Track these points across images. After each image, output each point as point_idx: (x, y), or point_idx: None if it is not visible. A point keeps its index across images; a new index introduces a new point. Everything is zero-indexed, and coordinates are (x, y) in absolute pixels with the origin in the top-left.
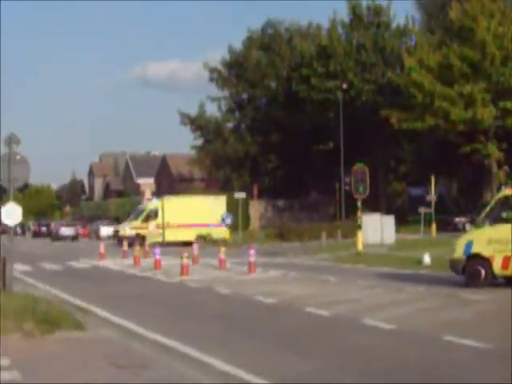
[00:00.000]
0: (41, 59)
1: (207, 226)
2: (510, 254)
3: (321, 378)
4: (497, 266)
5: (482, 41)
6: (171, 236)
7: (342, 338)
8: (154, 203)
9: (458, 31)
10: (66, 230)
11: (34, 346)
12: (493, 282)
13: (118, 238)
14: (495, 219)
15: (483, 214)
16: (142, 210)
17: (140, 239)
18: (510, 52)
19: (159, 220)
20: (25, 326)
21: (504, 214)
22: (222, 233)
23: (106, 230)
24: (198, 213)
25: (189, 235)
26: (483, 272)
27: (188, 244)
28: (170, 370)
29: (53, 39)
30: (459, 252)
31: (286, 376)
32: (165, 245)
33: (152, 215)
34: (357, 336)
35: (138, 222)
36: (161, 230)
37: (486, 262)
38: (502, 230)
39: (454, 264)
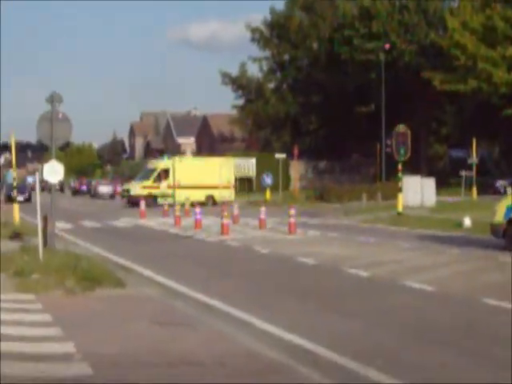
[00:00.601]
0: (83, 23)
1: (216, 187)
2: None
3: (361, 337)
4: None
5: None
6: (181, 196)
7: (382, 298)
8: (164, 163)
9: None
10: (103, 188)
11: (75, 303)
12: None
13: (128, 198)
14: None
15: None
16: (153, 170)
17: (152, 198)
18: None
19: (170, 180)
20: (66, 283)
21: None
22: (228, 194)
23: None
24: (207, 174)
25: (199, 196)
26: None
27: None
28: (211, 328)
29: (93, 2)
30: (500, 216)
31: (325, 335)
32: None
33: (163, 175)
34: (396, 297)
35: (149, 182)
36: (171, 190)
37: None
38: None
39: (494, 228)
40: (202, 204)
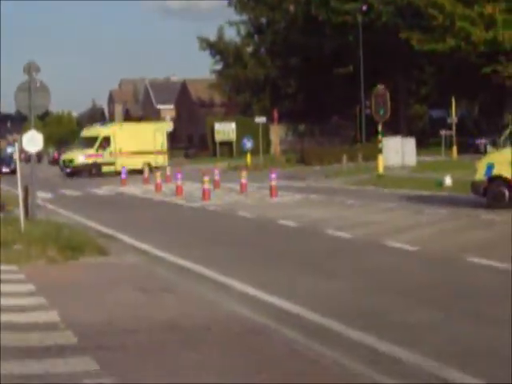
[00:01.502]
0: None
1: (152, 153)
2: None
3: (344, 297)
4: None
5: None
6: (123, 164)
7: (365, 259)
8: (105, 130)
9: None
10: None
11: (58, 272)
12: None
13: (70, 168)
14: None
15: (504, 136)
16: (93, 137)
17: (97, 167)
18: None
19: (112, 148)
20: (49, 252)
21: None
22: (162, 160)
23: None
24: (144, 140)
25: (137, 163)
26: (507, 193)
27: (137, 171)
28: (193, 293)
29: None
30: (480, 174)
31: (307, 297)
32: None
33: (105, 143)
34: (379, 257)
35: (92, 150)
36: (113, 158)
37: (508, 183)
38: None
39: (475, 186)
40: (139, 171)
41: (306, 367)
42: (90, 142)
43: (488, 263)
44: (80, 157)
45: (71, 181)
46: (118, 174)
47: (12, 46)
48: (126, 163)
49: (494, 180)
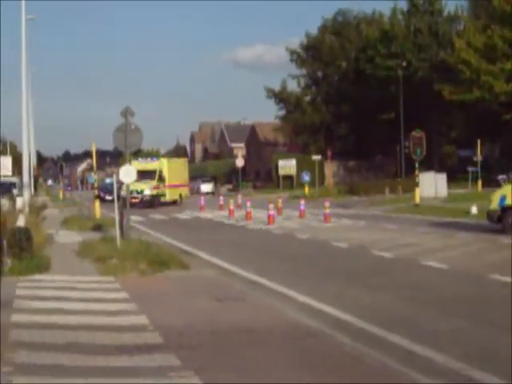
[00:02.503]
0: (154, 47)
1: (183, 186)
2: None
3: (386, 306)
4: None
5: None
6: (170, 195)
7: (404, 275)
8: (159, 164)
9: (500, 16)
10: None
11: (147, 283)
12: None
13: (141, 198)
14: None
15: None
16: (148, 170)
17: (159, 198)
18: None
19: (167, 180)
20: (140, 266)
21: None
22: (187, 192)
23: (205, 187)
24: (179, 174)
25: (177, 194)
26: None
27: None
28: (260, 302)
29: (160, 28)
30: (495, 204)
31: (356, 307)
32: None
33: (160, 176)
34: (416, 274)
35: (154, 182)
36: (164, 190)
37: None
38: None
39: (490, 214)
40: (175, 201)
41: (353, 365)
42: (145, 174)
43: (508, 280)
44: (147, 188)
45: (157, 207)
46: (170, 203)
47: (111, 92)
48: (171, 194)
49: (507, 209)
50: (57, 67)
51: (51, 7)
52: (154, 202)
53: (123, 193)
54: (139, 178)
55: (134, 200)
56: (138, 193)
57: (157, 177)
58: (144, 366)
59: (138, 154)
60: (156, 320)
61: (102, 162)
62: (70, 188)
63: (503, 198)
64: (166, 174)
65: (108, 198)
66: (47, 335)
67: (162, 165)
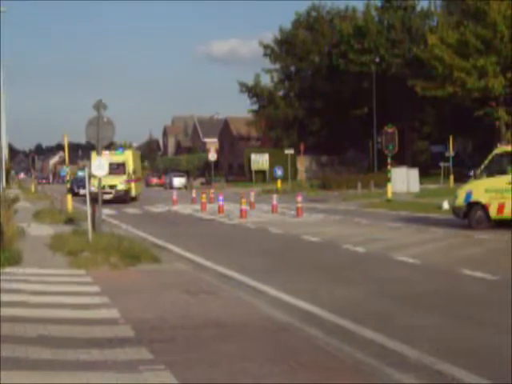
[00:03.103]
0: (125, 41)
1: (140, 180)
2: (504, 201)
3: (358, 301)
4: (493, 211)
5: (493, 21)
6: (136, 190)
7: (375, 270)
8: (123, 156)
9: (474, 13)
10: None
11: (119, 276)
12: (489, 224)
13: (115, 194)
14: (491, 172)
15: (481, 168)
16: (118, 163)
17: (129, 193)
18: None
19: (132, 174)
20: (111, 259)
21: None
22: (141, 186)
23: (178, 181)
24: (138, 167)
25: (139, 189)
26: (482, 216)
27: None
28: (231, 296)
29: (133, 21)
30: (460, 200)
31: (328, 301)
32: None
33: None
34: (387, 269)
35: (127, 176)
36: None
37: (484, 207)
38: (497, 181)
39: (456, 210)
40: (135, 197)
41: (325, 359)
42: (112, 166)
43: (480, 275)
44: (120, 183)
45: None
46: (134, 199)
47: (81, 85)
48: (137, 188)
49: (473, 205)
50: (29, 59)
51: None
52: (126, 198)
53: (92, 188)
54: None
55: (106, 196)
56: (110, 187)
57: (127, 170)
58: (115, 360)
59: (110, 146)
60: (127, 313)
61: (74, 155)
62: (44, 180)
63: (469, 194)
64: (131, 166)
65: (82, 191)
66: (17, 329)
67: (128, 157)
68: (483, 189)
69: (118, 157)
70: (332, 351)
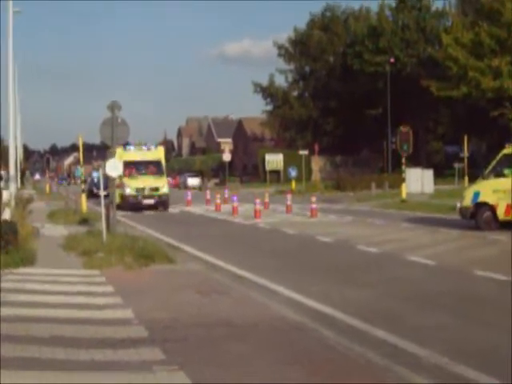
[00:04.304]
0: (142, 43)
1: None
2: (511, 202)
3: (371, 302)
4: (500, 212)
5: (508, 21)
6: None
7: (389, 271)
8: (156, 153)
9: (488, 13)
10: None
11: (133, 277)
12: (496, 225)
13: (163, 200)
14: (499, 173)
15: (489, 168)
16: (150, 162)
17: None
18: None
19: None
20: (125, 260)
21: (506, 171)
22: None
23: (192, 182)
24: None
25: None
26: (490, 217)
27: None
28: (244, 295)
29: (149, 23)
30: (467, 201)
31: (341, 302)
32: None
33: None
34: (402, 269)
35: (165, 178)
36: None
37: (492, 208)
38: (506, 182)
39: (463, 211)
40: None
41: (337, 359)
42: (144, 165)
43: (492, 276)
44: (163, 185)
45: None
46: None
47: (100, 87)
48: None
49: (480, 206)
50: (45, 61)
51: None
52: (168, 203)
53: (128, 190)
54: (135, 171)
55: (147, 200)
56: (152, 191)
57: (164, 170)
58: (128, 360)
59: (125, 146)
60: (141, 314)
61: (88, 156)
62: (63, 181)
63: (476, 195)
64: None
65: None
66: (32, 328)
67: (162, 154)
68: (491, 189)
69: (151, 154)
70: (344, 351)
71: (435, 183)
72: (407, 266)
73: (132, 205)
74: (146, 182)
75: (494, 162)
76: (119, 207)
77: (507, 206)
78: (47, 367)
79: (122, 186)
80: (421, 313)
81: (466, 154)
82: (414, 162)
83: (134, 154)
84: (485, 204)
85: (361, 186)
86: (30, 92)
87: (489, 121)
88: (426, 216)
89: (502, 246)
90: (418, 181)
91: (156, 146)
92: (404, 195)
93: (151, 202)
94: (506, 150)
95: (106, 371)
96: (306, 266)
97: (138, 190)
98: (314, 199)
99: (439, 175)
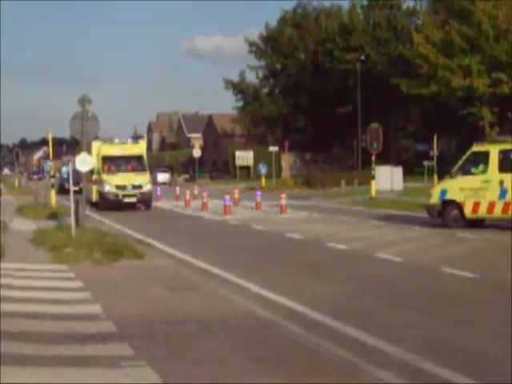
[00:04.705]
0: (110, 36)
1: None
2: (478, 200)
3: (340, 298)
4: (467, 210)
5: (478, 20)
6: None
7: (358, 268)
8: (139, 147)
9: (459, 12)
10: None
11: (101, 272)
12: (464, 223)
13: (146, 199)
14: (466, 171)
15: (456, 167)
16: (131, 156)
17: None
18: (501, 30)
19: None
20: (94, 255)
21: (473, 169)
22: None
23: (162, 177)
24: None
25: None
26: (457, 215)
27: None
28: (213, 291)
29: (118, 17)
30: (435, 198)
31: (310, 298)
32: None
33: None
34: (370, 267)
35: (148, 174)
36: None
37: (459, 206)
38: (473, 180)
39: (430, 208)
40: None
41: (306, 356)
42: (124, 160)
43: (460, 273)
44: (145, 182)
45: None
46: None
47: (66, 80)
48: None
49: (448, 204)
50: (14, 54)
51: None
52: (151, 202)
53: (108, 187)
54: (115, 167)
55: (128, 198)
56: (134, 188)
57: (146, 166)
58: (97, 355)
59: (96, 139)
60: (109, 309)
61: (58, 150)
62: (37, 176)
63: (444, 193)
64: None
65: (75, 189)
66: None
67: (144, 149)
68: (458, 187)
69: (132, 148)
70: (313, 348)
71: (404, 181)
72: (376, 263)
73: (112, 203)
74: (128, 178)
75: (461, 161)
76: (96, 205)
77: (474, 203)
78: (15, 363)
79: (100, 182)
80: (390, 310)
81: (435, 152)
82: (384, 159)
83: (114, 148)
84: (452, 202)
85: (330, 183)
86: (1, 86)
87: (458, 119)
88: (395, 213)
89: (469, 243)
90: (388, 178)
91: (137, 140)
92: (373, 192)
93: (133, 200)
94: (473, 149)
95: (75, 366)
96: (275, 262)
97: (118, 187)
98: (283, 196)
99: (409, 173)
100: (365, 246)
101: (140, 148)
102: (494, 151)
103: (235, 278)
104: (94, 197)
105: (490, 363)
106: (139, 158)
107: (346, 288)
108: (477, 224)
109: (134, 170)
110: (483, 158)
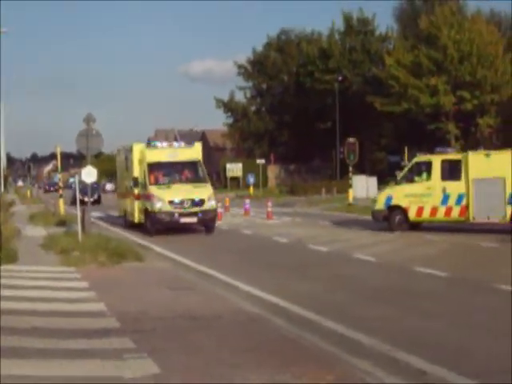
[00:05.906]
0: (116, 58)
1: None
2: (422, 205)
3: (321, 295)
4: (412, 214)
5: (444, 45)
6: None
7: (337, 267)
8: (193, 151)
9: (426, 37)
10: (109, 186)
11: (106, 273)
12: (407, 226)
13: (210, 218)
14: (410, 179)
15: (401, 175)
16: (183, 163)
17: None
18: (465, 53)
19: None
20: (99, 258)
21: (416, 177)
22: None
23: None
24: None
25: None
26: (401, 219)
27: None
28: (207, 290)
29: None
30: (380, 204)
31: (294, 295)
32: None
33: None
34: (348, 266)
35: (210, 186)
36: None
37: (404, 211)
38: (417, 187)
39: (375, 214)
40: None
41: (290, 347)
42: (174, 168)
43: (430, 272)
44: (208, 196)
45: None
46: None
47: (72, 99)
48: None
49: (393, 209)
50: (25, 73)
51: (20, 17)
52: (215, 221)
53: (159, 203)
54: (166, 177)
55: (186, 219)
56: (193, 204)
57: (204, 174)
58: (101, 349)
59: (99, 155)
60: (113, 307)
61: (66, 163)
62: (52, 188)
63: (389, 198)
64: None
65: (91, 200)
66: (14, 320)
67: (199, 153)
68: (403, 194)
69: (186, 153)
70: (296, 339)
71: (379, 189)
72: (354, 263)
73: (165, 224)
74: (185, 192)
75: (406, 169)
76: (139, 227)
77: (418, 208)
78: (27, 356)
79: (147, 197)
80: (366, 304)
81: (406, 162)
82: (360, 169)
83: (162, 153)
84: (397, 207)
85: (312, 191)
86: (13, 102)
87: (427, 133)
88: (371, 219)
89: (438, 245)
90: (364, 187)
91: (193, 143)
92: (350, 199)
93: (193, 220)
94: (417, 159)
95: (81, 359)
96: (263, 263)
97: (172, 203)
98: (269, 203)
99: (382, 182)
100: (344, 248)
101: (196, 152)
102: (437, 161)
103: (227, 278)
104: (137, 217)
105: (456, 350)
106: (195, 165)
107: (326, 285)
108: (417, 226)
109: (190, 180)
110: (426, 167)
